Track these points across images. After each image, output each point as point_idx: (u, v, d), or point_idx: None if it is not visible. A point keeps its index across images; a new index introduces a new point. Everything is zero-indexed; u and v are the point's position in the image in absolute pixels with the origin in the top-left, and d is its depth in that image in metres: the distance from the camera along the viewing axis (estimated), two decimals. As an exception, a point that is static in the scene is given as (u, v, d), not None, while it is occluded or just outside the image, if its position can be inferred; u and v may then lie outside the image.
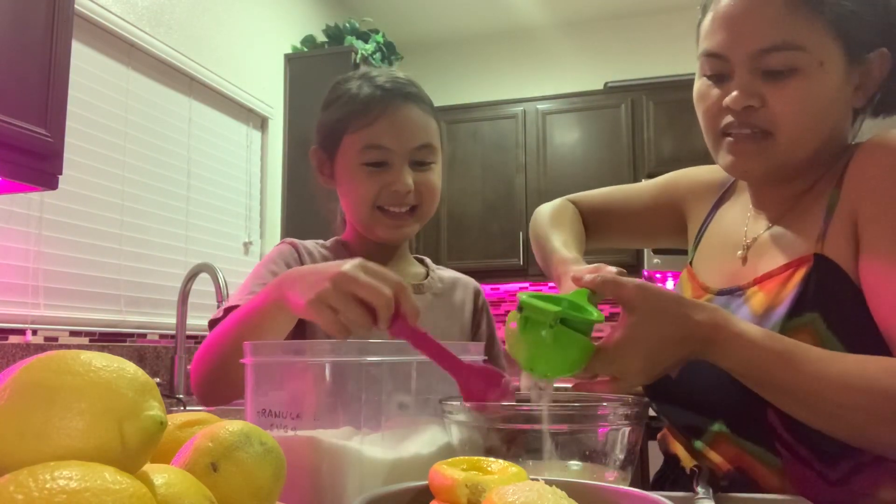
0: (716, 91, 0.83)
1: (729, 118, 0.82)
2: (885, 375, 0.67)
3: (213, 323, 0.98)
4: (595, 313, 0.70)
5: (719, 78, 0.83)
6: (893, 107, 0.86)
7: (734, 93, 0.80)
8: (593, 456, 0.65)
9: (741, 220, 0.94)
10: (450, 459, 0.53)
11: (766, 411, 0.76)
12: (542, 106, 3.87)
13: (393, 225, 1.05)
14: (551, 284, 0.77)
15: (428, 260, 1.22)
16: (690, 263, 1.00)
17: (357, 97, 1.06)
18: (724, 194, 1.01)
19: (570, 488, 0.46)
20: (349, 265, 0.71)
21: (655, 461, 1.04)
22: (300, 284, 0.75)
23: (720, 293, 0.88)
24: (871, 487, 0.75)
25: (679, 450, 0.91)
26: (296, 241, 1.10)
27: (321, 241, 1.14)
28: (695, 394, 0.84)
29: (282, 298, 0.79)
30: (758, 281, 0.83)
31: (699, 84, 0.86)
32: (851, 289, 0.75)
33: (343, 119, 1.06)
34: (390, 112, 1.04)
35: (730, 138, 0.83)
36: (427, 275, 1.16)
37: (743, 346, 0.70)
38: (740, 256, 0.89)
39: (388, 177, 1.03)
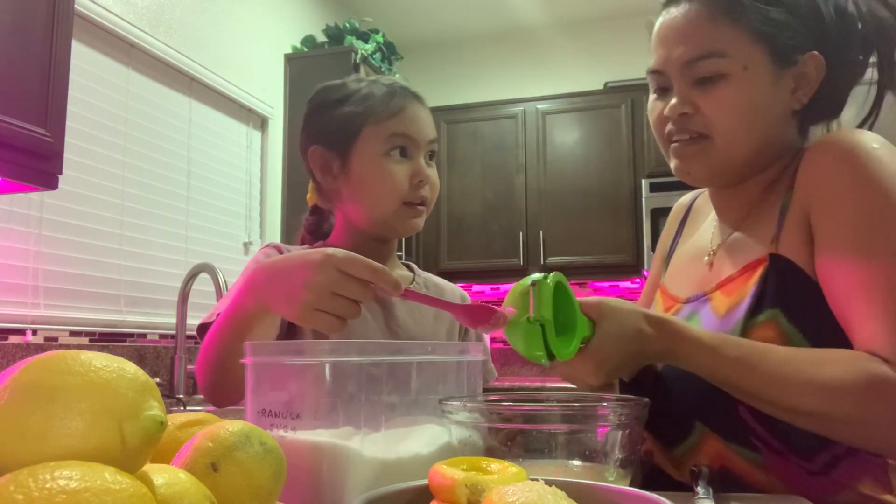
0: (660, 104, 0.91)
1: (671, 126, 0.89)
2: (838, 375, 0.71)
3: (202, 328, 0.98)
4: (568, 349, 0.73)
5: (663, 92, 0.91)
6: (833, 111, 0.91)
7: (672, 102, 0.88)
8: (593, 456, 0.65)
9: (707, 232, 0.99)
10: (450, 459, 0.53)
11: (736, 407, 0.79)
12: (542, 106, 3.87)
13: (412, 215, 1.07)
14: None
15: (414, 265, 1.22)
16: (663, 281, 1.05)
17: (373, 94, 1.08)
18: (686, 214, 1.09)
19: (570, 488, 0.46)
20: (319, 266, 0.73)
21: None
22: (277, 292, 0.78)
23: (687, 301, 0.93)
24: (852, 480, 0.77)
25: (662, 461, 0.91)
26: (280, 245, 1.10)
27: (307, 247, 1.14)
28: (671, 398, 0.87)
29: (266, 305, 0.81)
30: (720, 286, 0.88)
31: (649, 100, 0.95)
32: (809, 284, 0.79)
33: (362, 113, 1.06)
34: (411, 106, 1.07)
35: (674, 144, 0.90)
36: (413, 279, 1.16)
37: (700, 354, 0.76)
38: (707, 262, 0.94)
39: (411, 168, 1.05)
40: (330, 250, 0.75)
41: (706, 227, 1.01)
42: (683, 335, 0.77)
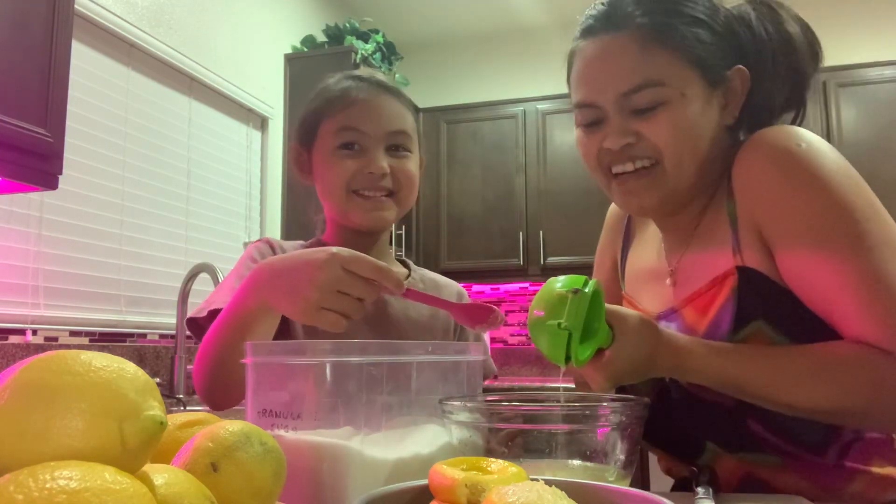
0: (593, 136, 0.88)
1: (611, 158, 0.87)
2: (846, 370, 0.74)
3: (191, 321, 0.98)
4: (584, 356, 0.74)
5: (595, 125, 0.88)
6: (762, 122, 0.88)
7: (611, 135, 0.85)
8: (593, 456, 0.65)
9: (657, 247, 0.98)
10: (450, 459, 0.53)
11: (745, 421, 0.81)
12: (542, 106, 3.87)
13: (369, 208, 1.04)
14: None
15: (410, 261, 1.21)
16: (625, 292, 1.04)
17: (335, 88, 1.08)
18: (629, 221, 1.07)
19: (570, 488, 0.46)
20: (325, 265, 0.74)
21: (656, 461, 1.05)
22: (281, 290, 0.78)
23: (658, 317, 0.92)
24: (863, 462, 0.80)
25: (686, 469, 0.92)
26: (272, 239, 1.10)
27: (301, 242, 1.14)
28: (676, 425, 0.88)
29: (268, 303, 0.81)
30: (688, 300, 0.88)
31: (577, 133, 0.91)
32: (780, 290, 0.80)
33: (320, 108, 1.07)
34: (366, 98, 1.06)
35: (619, 179, 0.87)
36: (409, 275, 1.16)
37: (708, 366, 0.77)
38: (669, 284, 0.93)
39: (362, 160, 1.04)
40: (335, 249, 0.75)
41: (653, 238, 0.99)
42: (691, 350, 0.78)
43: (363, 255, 0.75)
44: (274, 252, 1.08)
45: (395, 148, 1.06)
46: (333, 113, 1.05)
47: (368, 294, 0.75)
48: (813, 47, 0.89)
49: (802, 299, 0.78)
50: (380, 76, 1.11)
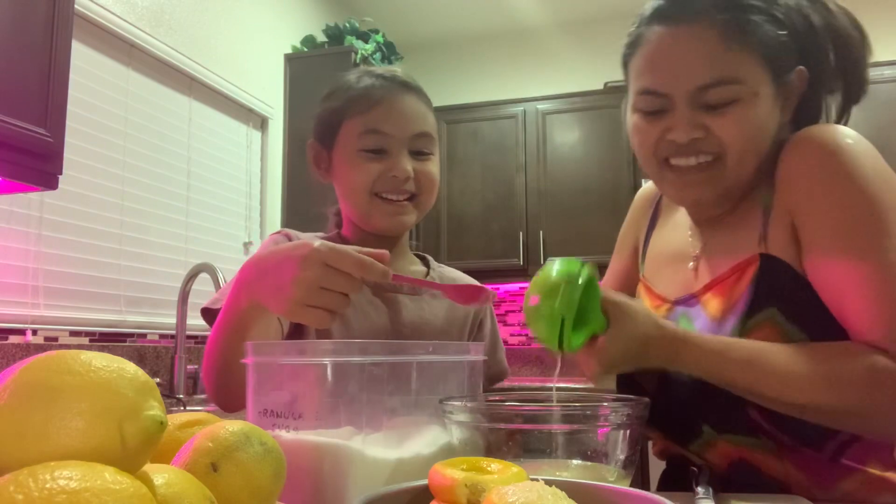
0: (654, 124, 0.85)
1: (671, 148, 0.85)
2: (842, 369, 0.73)
3: (205, 311, 0.98)
4: (577, 342, 0.75)
5: (658, 112, 0.85)
6: (813, 119, 0.89)
7: (679, 128, 0.83)
8: (593, 456, 0.65)
9: (683, 231, 0.97)
10: (450, 459, 0.53)
11: (746, 409, 0.81)
12: (542, 106, 3.87)
13: (391, 212, 1.04)
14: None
15: (430, 258, 1.20)
16: (643, 276, 1.03)
17: (356, 86, 1.06)
18: (658, 203, 1.06)
19: (570, 488, 0.46)
20: (306, 262, 0.72)
21: (656, 461, 1.05)
22: (267, 288, 0.77)
23: (677, 302, 0.92)
24: (860, 462, 0.80)
25: (682, 452, 0.92)
26: (290, 231, 1.09)
27: (321, 234, 1.13)
28: (675, 405, 0.88)
29: (258, 302, 0.80)
30: (709, 287, 0.87)
31: (635, 119, 0.88)
32: (800, 280, 0.80)
33: (342, 107, 1.05)
34: (390, 99, 1.04)
35: (676, 171, 0.86)
36: (427, 273, 1.15)
37: (705, 359, 0.76)
38: (692, 268, 0.93)
39: (386, 163, 1.02)
40: (317, 243, 0.73)
41: (681, 223, 0.99)
42: (688, 342, 0.78)
43: (345, 249, 0.73)
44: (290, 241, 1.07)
45: (419, 150, 1.05)
46: (355, 114, 1.04)
47: (351, 288, 0.73)
48: (864, 39, 0.88)
49: (819, 293, 0.78)
50: (399, 73, 1.09)
